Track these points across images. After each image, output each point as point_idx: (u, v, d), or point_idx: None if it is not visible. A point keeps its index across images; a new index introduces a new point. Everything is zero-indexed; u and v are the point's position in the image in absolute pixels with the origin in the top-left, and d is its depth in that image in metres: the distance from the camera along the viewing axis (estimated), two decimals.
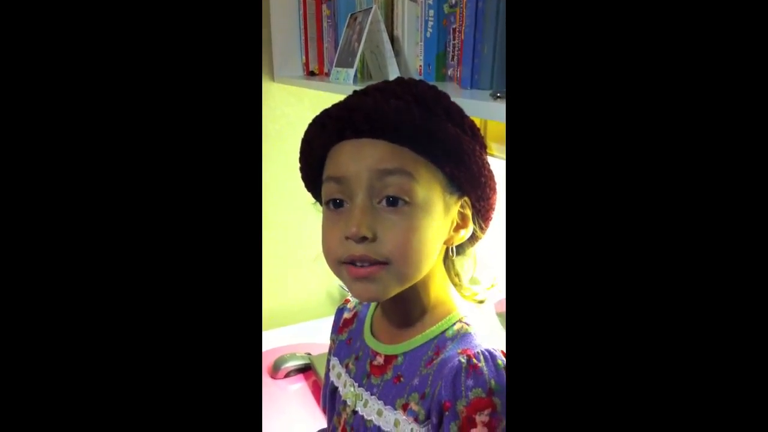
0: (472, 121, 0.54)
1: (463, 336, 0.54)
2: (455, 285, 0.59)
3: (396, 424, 0.53)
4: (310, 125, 0.54)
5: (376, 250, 0.49)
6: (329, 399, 0.66)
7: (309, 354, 1.22)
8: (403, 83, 0.53)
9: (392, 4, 0.92)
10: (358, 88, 0.54)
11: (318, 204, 0.57)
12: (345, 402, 0.61)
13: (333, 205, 0.52)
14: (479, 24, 0.65)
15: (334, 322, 0.70)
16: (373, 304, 0.65)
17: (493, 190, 0.55)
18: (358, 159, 0.50)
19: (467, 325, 0.55)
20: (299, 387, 1.16)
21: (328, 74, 1.17)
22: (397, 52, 0.90)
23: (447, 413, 0.49)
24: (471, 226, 0.56)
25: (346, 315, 0.69)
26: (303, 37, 1.29)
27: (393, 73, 0.88)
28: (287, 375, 1.19)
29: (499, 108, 0.53)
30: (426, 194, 0.50)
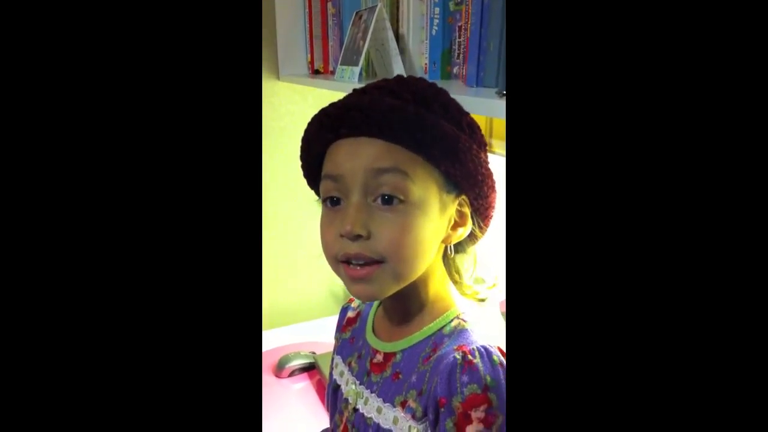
0: (471, 119, 0.53)
1: (459, 332, 0.54)
2: (455, 283, 0.59)
3: (395, 421, 0.54)
4: (309, 123, 0.55)
5: (371, 248, 0.49)
6: (332, 397, 0.67)
7: (313, 353, 1.22)
8: (401, 81, 0.53)
9: (397, 2, 0.91)
10: (362, 85, 0.54)
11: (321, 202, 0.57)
12: (347, 400, 0.61)
13: (330, 203, 0.53)
14: (485, 21, 0.64)
15: (338, 320, 0.71)
16: (375, 303, 0.65)
17: (492, 188, 0.55)
18: (354, 157, 0.50)
19: (464, 321, 0.55)
20: (303, 386, 1.16)
21: (333, 72, 1.17)
22: (403, 50, 0.89)
23: (443, 409, 0.49)
24: (469, 225, 0.55)
25: (350, 314, 0.69)
26: (308, 35, 1.29)
27: (398, 71, 0.87)
28: (291, 374, 1.19)
29: (505, 106, 0.52)
30: (421, 192, 0.50)
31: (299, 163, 0.59)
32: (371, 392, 0.58)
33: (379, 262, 0.50)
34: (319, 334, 1.37)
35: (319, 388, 1.15)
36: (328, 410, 0.69)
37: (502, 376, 0.49)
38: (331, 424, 0.67)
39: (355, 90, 0.54)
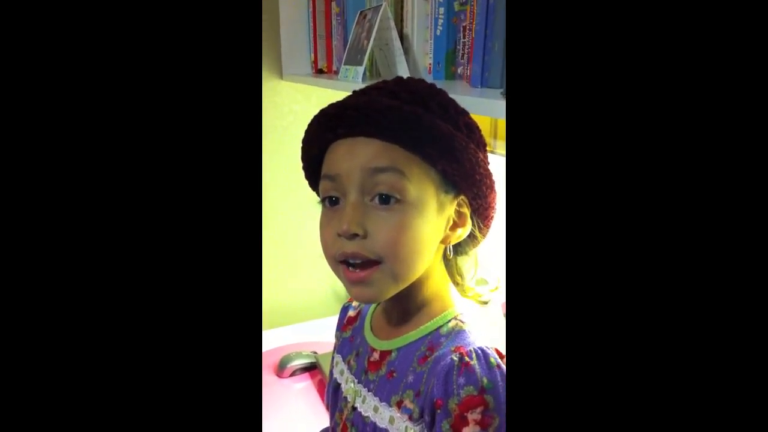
0: (470, 119, 0.53)
1: (457, 333, 0.54)
2: (457, 285, 0.59)
3: (391, 421, 0.54)
4: (309, 124, 0.55)
5: (368, 247, 0.50)
6: (332, 395, 0.67)
7: (315, 353, 1.21)
8: (400, 82, 0.53)
9: (402, 2, 0.91)
10: (365, 86, 0.54)
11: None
12: (346, 398, 0.61)
13: (329, 203, 0.53)
14: (490, 21, 0.64)
15: (339, 319, 0.71)
16: None
17: (491, 188, 0.55)
18: (351, 157, 0.50)
19: (462, 322, 0.55)
20: (305, 386, 1.16)
21: (336, 72, 1.16)
22: (407, 50, 0.89)
23: (439, 411, 0.49)
24: (469, 226, 0.55)
25: (351, 312, 0.69)
26: (312, 35, 1.29)
27: (402, 71, 0.87)
28: (293, 374, 1.18)
29: None
30: (418, 192, 0.50)
31: (301, 163, 0.59)
32: (368, 390, 0.58)
33: (376, 262, 0.50)
34: (320, 334, 1.36)
35: (321, 388, 1.15)
36: (328, 409, 0.69)
37: (499, 377, 0.49)
38: (331, 423, 0.67)
39: (354, 91, 0.55)
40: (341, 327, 0.70)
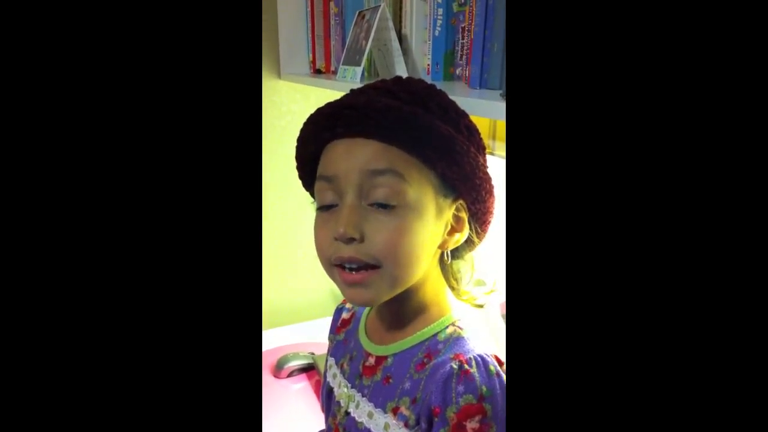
0: (470, 122, 0.53)
1: (455, 340, 0.53)
2: (453, 289, 0.58)
3: (386, 427, 0.53)
4: (305, 123, 0.54)
5: (365, 252, 0.48)
6: (326, 399, 0.66)
7: (312, 353, 1.21)
8: (399, 82, 0.52)
9: (401, 2, 0.91)
10: (364, 85, 0.54)
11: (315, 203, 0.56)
12: (339, 403, 0.61)
13: (325, 208, 0.52)
14: (489, 22, 0.64)
15: (333, 321, 0.70)
16: None
17: (490, 192, 0.54)
18: (349, 158, 0.49)
19: (460, 329, 0.54)
20: (302, 386, 1.16)
21: (334, 72, 1.16)
22: (405, 51, 0.89)
23: (436, 419, 0.48)
24: (467, 231, 0.54)
25: (345, 315, 0.69)
26: (310, 35, 1.29)
27: (400, 72, 0.87)
28: (290, 374, 1.18)
29: None
30: (417, 195, 0.49)
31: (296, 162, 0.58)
32: (362, 396, 0.57)
33: (374, 266, 0.49)
34: (318, 335, 1.36)
35: (318, 388, 1.14)
36: (323, 412, 0.69)
37: (497, 386, 0.48)
38: (326, 427, 0.66)
39: (352, 90, 0.54)
40: (335, 329, 0.69)
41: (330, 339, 0.70)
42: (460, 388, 0.48)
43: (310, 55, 1.31)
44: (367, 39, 0.88)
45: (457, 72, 0.79)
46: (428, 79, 0.56)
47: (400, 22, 0.91)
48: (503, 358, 0.52)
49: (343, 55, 0.99)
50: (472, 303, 0.58)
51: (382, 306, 0.58)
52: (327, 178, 0.51)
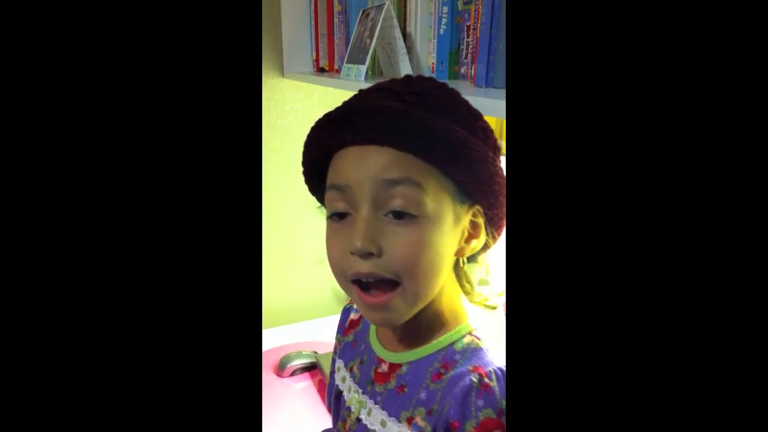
0: (485, 122, 0.50)
1: (473, 351, 0.51)
2: (466, 293, 0.57)
3: None
4: (312, 128, 0.51)
5: (383, 266, 0.46)
6: (334, 403, 0.65)
7: (315, 352, 1.21)
8: (407, 82, 0.50)
9: (405, 0, 0.90)
10: (369, 85, 0.53)
11: (323, 208, 0.54)
12: (349, 408, 0.59)
13: (337, 218, 0.49)
14: (495, 21, 0.63)
15: (340, 322, 0.69)
16: None
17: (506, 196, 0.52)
18: (361, 166, 0.46)
19: (478, 339, 0.52)
20: (305, 385, 1.16)
21: (338, 71, 1.16)
22: (410, 49, 0.89)
23: None
24: (483, 237, 0.52)
25: (353, 315, 0.67)
26: (313, 33, 1.28)
27: (405, 71, 0.87)
28: (293, 373, 1.18)
29: None
30: (435, 204, 0.46)
31: (301, 166, 0.56)
32: (375, 403, 0.55)
33: (392, 282, 0.47)
34: (321, 334, 1.36)
35: (321, 387, 1.14)
36: (330, 414, 0.68)
37: None
38: (334, 431, 0.66)
39: (360, 91, 0.51)
40: (342, 330, 0.67)
41: (337, 339, 0.68)
42: (480, 402, 0.47)
43: (314, 54, 1.31)
44: (371, 37, 0.88)
45: (462, 71, 0.79)
46: (435, 78, 0.55)
47: (405, 20, 0.91)
48: None
49: (347, 53, 0.99)
50: (484, 305, 0.57)
51: None
52: (339, 188, 0.48)
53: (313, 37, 1.29)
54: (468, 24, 0.75)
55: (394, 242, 0.46)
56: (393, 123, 0.45)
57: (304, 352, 1.21)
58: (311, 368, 1.20)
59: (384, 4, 0.87)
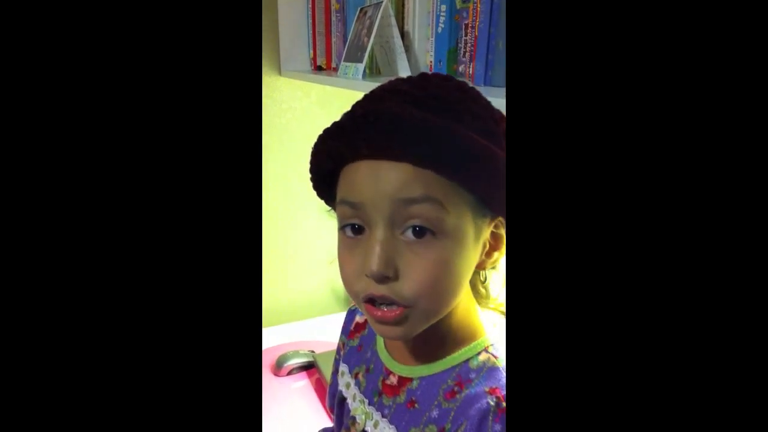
0: (504, 125, 0.46)
1: (489, 370, 0.49)
2: (480, 298, 0.54)
3: None
4: (320, 137, 0.47)
5: (399, 292, 0.43)
6: (337, 409, 0.63)
7: (313, 351, 1.21)
8: (425, 84, 0.45)
9: None
10: (366, 83, 0.52)
11: (333, 212, 0.50)
12: (354, 418, 0.57)
13: (350, 231, 0.46)
14: (494, 19, 0.63)
15: (345, 323, 0.66)
16: None
17: None
18: (376, 183, 0.43)
19: (494, 357, 0.50)
20: (302, 384, 1.16)
21: (335, 69, 1.15)
22: (407, 48, 0.88)
23: None
24: (504, 249, 0.49)
25: (358, 318, 0.64)
26: (311, 31, 1.28)
27: (403, 69, 0.86)
28: (290, 372, 1.18)
29: None
30: (456, 222, 0.43)
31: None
32: (382, 416, 0.53)
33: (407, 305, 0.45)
34: (318, 333, 1.36)
35: (318, 387, 1.14)
36: (330, 414, 0.67)
37: None
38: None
39: (373, 91, 0.47)
40: (348, 333, 0.64)
41: (341, 341, 0.65)
42: (497, 426, 0.44)
43: (311, 52, 1.30)
44: (369, 35, 0.87)
45: (460, 69, 0.79)
46: (453, 76, 0.52)
47: (403, 18, 0.91)
48: None
49: (345, 51, 0.99)
50: (499, 310, 0.54)
51: None
52: (352, 204, 0.44)
53: (311, 35, 1.29)
54: (466, 22, 0.75)
55: (412, 265, 0.43)
56: (414, 138, 0.41)
57: (301, 351, 1.21)
58: (308, 367, 1.20)
59: (382, 2, 0.87)
